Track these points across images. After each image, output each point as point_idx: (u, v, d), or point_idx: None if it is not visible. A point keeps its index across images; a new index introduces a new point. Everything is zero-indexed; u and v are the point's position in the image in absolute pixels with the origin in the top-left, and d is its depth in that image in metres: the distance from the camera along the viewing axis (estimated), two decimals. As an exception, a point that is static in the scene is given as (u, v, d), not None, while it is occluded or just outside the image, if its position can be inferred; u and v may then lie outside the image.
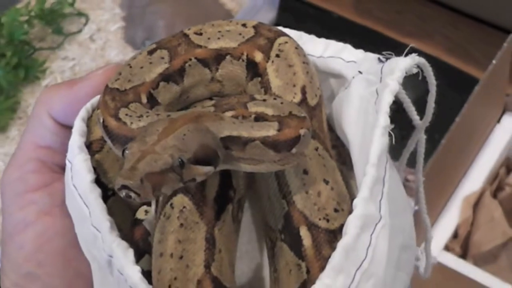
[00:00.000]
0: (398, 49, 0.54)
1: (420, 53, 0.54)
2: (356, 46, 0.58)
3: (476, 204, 1.21)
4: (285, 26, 0.59)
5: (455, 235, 1.18)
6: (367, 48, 0.58)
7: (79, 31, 1.53)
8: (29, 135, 0.58)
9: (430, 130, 0.59)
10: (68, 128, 0.56)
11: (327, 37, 0.59)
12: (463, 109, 1.16)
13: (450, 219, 1.19)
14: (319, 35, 0.59)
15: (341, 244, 0.47)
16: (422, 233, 1.13)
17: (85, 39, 1.52)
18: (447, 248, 1.16)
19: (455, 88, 1.37)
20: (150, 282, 0.49)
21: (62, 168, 0.56)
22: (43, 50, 1.49)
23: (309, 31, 0.59)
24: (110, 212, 0.52)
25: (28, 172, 0.57)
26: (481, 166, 1.24)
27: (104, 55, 1.50)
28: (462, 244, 1.18)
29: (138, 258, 0.53)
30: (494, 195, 1.22)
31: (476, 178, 1.23)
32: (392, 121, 0.51)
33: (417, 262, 0.64)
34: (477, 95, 1.17)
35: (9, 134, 1.40)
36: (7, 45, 1.41)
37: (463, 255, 1.18)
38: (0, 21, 1.42)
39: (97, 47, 1.51)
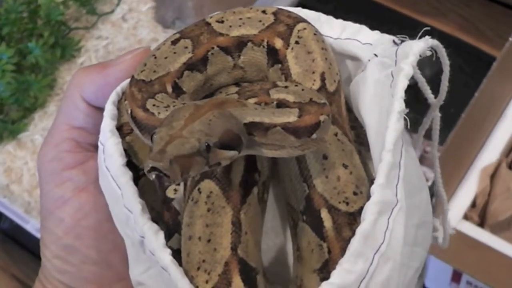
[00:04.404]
0: (413, 27, 0.55)
1: (435, 31, 0.55)
2: (374, 24, 0.57)
3: (493, 175, 1.22)
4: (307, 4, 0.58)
5: (473, 205, 1.20)
6: (384, 27, 0.58)
7: (112, 11, 1.55)
8: (63, 116, 0.60)
9: (446, 105, 0.59)
10: (99, 109, 0.57)
11: (345, 16, 0.59)
12: (482, 84, 1.17)
13: (468, 189, 1.21)
14: (337, 14, 0.58)
15: (359, 231, 0.48)
16: (439, 205, 1.17)
17: (118, 19, 1.55)
18: (466, 217, 1.18)
19: (469, 64, 1.39)
20: (179, 261, 0.51)
21: (95, 147, 0.57)
22: (78, 29, 1.52)
23: (328, 11, 0.58)
24: (142, 191, 0.53)
25: (63, 151, 0.59)
26: (497, 138, 1.26)
27: (136, 34, 1.52)
28: (480, 213, 1.20)
29: (169, 237, 0.55)
30: (510, 167, 1.24)
31: (493, 150, 1.25)
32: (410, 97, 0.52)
33: (435, 233, 0.66)
34: (495, 71, 1.19)
35: (47, 110, 1.44)
36: (45, 25, 1.44)
37: (481, 224, 1.20)
38: (37, 3, 1.45)
39: (129, 26, 1.53)
